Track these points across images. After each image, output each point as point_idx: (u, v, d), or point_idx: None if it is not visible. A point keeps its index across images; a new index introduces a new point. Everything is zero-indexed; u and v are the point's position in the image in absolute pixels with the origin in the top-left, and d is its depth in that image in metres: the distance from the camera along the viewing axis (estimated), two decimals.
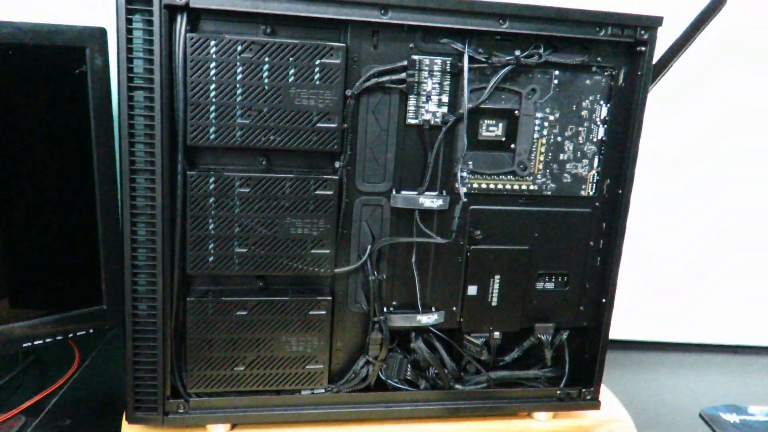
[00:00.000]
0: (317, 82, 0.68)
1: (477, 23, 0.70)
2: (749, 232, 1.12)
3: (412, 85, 0.71)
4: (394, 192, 0.75)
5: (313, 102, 0.69)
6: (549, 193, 0.78)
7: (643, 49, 0.73)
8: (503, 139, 0.76)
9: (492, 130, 0.75)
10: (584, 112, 0.76)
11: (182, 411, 0.75)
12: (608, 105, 0.77)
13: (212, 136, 0.68)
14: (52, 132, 0.80)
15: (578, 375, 0.84)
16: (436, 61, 0.71)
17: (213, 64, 0.66)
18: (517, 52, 0.72)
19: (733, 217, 1.11)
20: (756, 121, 1.08)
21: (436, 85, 0.72)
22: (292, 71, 0.68)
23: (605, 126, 0.77)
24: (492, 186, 0.77)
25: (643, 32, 0.73)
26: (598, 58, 0.75)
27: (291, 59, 0.67)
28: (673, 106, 1.06)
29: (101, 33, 0.78)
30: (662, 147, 1.08)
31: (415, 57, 0.71)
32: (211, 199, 0.70)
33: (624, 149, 0.77)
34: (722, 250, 1.12)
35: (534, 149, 0.77)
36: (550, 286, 0.81)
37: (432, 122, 0.73)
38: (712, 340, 1.15)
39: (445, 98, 0.73)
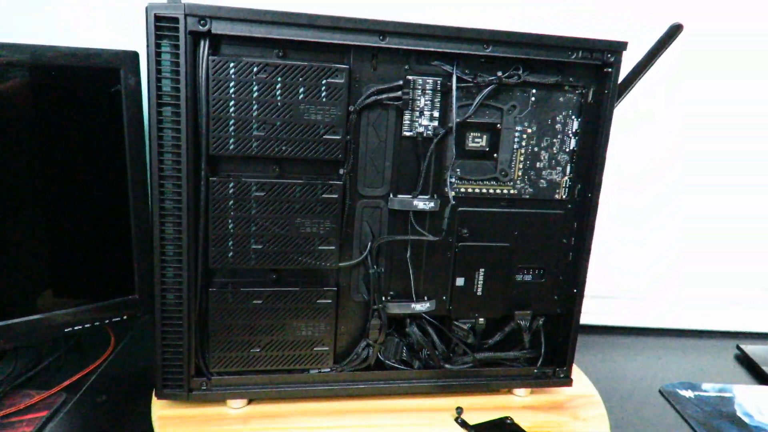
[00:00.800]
0: (324, 100, 0.68)
1: (464, 48, 0.70)
2: (700, 233, 1.11)
3: (407, 102, 0.71)
4: (391, 195, 0.75)
5: (320, 117, 0.69)
6: (527, 196, 0.78)
7: (609, 70, 0.73)
8: (487, 149, 0.76)
9: (477, 141, 0.75)
10: (558, 126, 0.76)
11: (205, 388, 0.74)
12: (579, 119, 0.76)
13: (231, 147, 0.68)
14: (91, 143, 0.79)
15: (553, 356, 0.84)
16: (428, 80, 0.71)
17: (232, 84, 0.66)
18: (499, 73, 0.72)
19: (690, 223, 1.11)
20: (707, 128, 1.06)
21: (428, 102, 0.72)
22: (301, 90, 0.68)
23: (576, 138, 0.77)
24: (477, 190, 0.77)
25: (609, 56, 0.72)
26: (570, 78, 0.74)
27: (301, 79, 0.67)
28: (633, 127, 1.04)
29: (134, 56, 0.78)
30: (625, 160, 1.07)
31: (410, 77, 0.71)
32: (231, 202, 0.70)
33: (593, 158, 0.76)
34: (676, 250, 1.12)
35: (514, 158, 0.77)
36: (528, 278, 0.81)
37: (425, 134, 0.73)
38: (669, 325, 1.15)
39: (436, 113, 0.73)
